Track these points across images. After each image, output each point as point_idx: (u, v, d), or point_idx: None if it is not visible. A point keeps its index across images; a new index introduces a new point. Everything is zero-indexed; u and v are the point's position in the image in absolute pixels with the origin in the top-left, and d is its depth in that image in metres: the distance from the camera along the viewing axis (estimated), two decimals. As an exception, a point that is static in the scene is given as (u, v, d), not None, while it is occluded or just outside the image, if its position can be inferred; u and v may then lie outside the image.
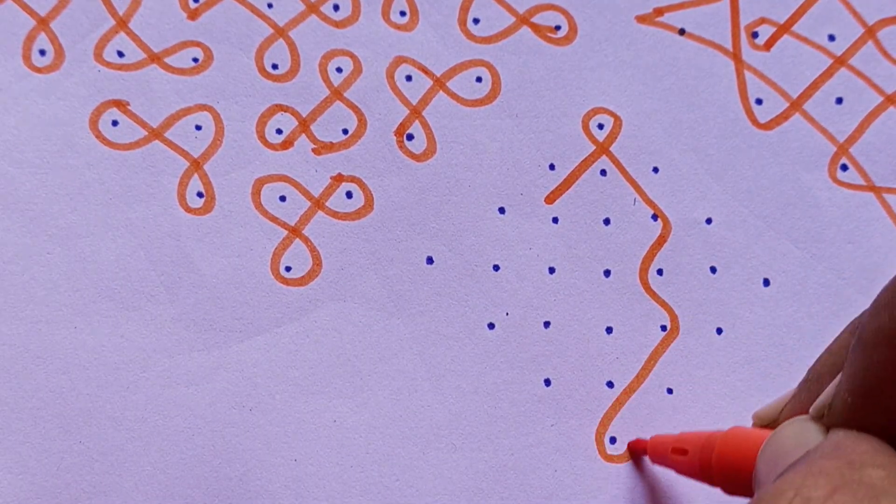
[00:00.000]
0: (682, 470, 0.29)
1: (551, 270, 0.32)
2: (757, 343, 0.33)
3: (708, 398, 0.33)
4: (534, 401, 0.32)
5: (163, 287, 0.31)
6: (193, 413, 0.31)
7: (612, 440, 0.32)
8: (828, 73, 0.34)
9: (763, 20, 0.35)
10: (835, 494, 0.18)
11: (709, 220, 0.33)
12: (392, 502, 0.31)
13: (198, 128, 0.33)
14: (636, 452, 0.32)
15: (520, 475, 0.31)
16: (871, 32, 0.34)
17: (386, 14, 0.34)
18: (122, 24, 0.33)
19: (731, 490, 0.26)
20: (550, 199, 0.33)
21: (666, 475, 0.32)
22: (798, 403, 0.25)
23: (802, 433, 0.22)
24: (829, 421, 0.22)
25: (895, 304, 0.19)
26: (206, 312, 0.31)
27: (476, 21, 0.34)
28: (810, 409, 0.22)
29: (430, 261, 0.32)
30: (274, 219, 0.32)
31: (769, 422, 0.26)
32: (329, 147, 0.33)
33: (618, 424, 0.32)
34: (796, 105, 0.34)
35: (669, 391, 0.32)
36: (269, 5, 0.33)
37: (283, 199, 0.32)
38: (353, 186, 0.33)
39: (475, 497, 0.31)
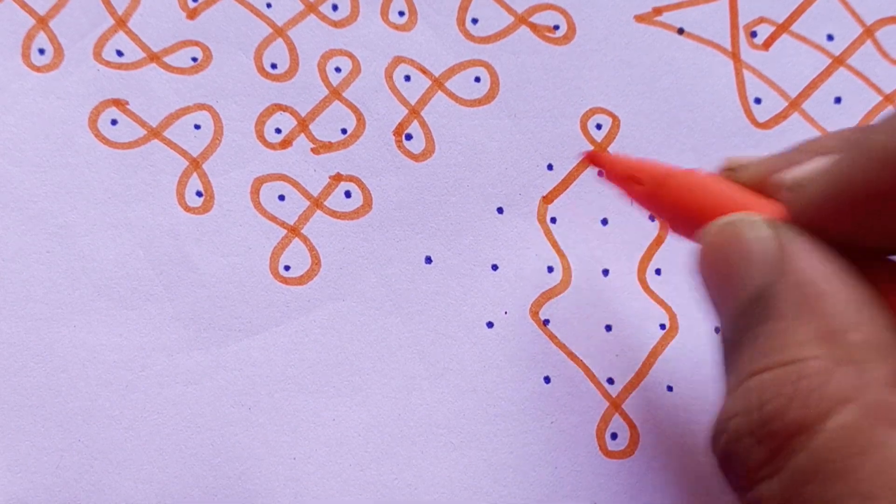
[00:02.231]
0: (633, 196, 0.28)
1: (549, 269, 0.33)
2: (755, 342, 0.33)
3: (708, 395, 0.33)
4: (533, 398, 0.32)
5: (162, 286, 0.31)
6: (192, 412, 0.31)
7: (614, 436, 0.32)
8: (826, 73, 0.34)
9: (762, 19, 0.35)
10: (829, 384, 0.19)
11: (707, 220, 0.33)
12: (391, 501, 0.31)
13: (197, 127, 0.33)
14: (593, 163, 0.31)
15: (520, 473, 0.31)
16: (869, 32, 0.34)
17: (385, 14, 0.34)
18: (121, 23, 0.33)
19: (677, 230, 0.25)
20: (549, 198, 0.33)
21: (667, 473, 0.32)
22: (772, 164, 0.24)
23: (751, 241, 0.21)
24: (794, 199, 0.21)
25: None
26: (205, 311, 0.31)
27: (475, 21, 0.34)
28: (786, 175, 0.22)
29: (428, 260, 0.32)
30: (273, 218, 0.32)
31: (735, 168, 0.25)
32: (328, 146, 0.33)
33: (618, 421, 0.32)
34: (795, 104, 0.34)
35: (669, 388, 0.32)
36: (268, 5, 0.33)
37: (282, 198, 0.32)
38: (351, 186, 0.33)
39: (474, 495, 0.31)
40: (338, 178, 0.33)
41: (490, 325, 0.32)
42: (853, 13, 0.35)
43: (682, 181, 0.25)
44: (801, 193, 0.21)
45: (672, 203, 0.25)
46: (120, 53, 0.33)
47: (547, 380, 0.32)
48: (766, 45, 0.34)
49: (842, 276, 0.20)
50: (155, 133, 0.32)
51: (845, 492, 0.18)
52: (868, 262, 0.20)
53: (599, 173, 0.31)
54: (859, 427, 0.18)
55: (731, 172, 0.25)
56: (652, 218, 0.33)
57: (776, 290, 0.20)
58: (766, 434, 0.19)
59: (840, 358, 0.19)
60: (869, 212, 0.20)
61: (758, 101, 0.34)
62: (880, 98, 0.34)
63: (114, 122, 0.32)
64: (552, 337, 0.32)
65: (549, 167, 0.33)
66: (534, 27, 0.34)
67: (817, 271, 0.20)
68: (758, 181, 0.24)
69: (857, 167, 0.20)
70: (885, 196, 0.19)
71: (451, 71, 0.34)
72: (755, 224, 0.21)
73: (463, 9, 0.34)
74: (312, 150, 0.33)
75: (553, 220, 0.33)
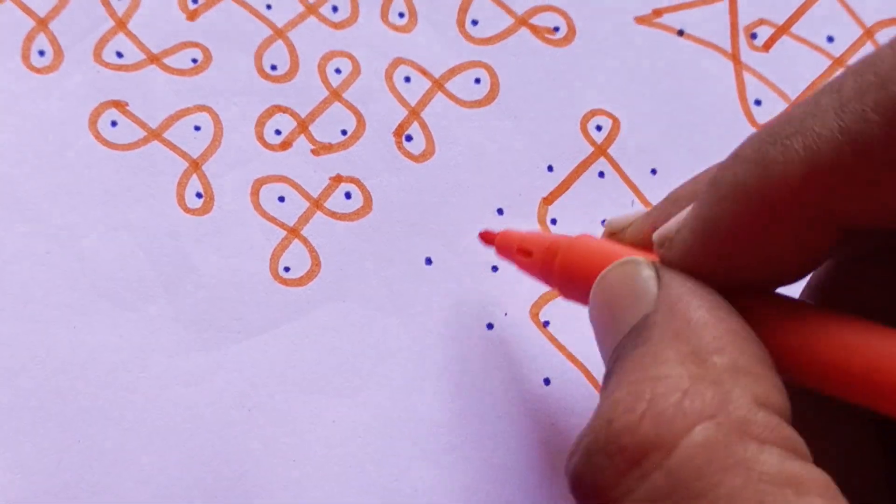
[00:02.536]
0: (524, 268, 0.29)
1: (550, 271, 0.33)
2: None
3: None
4: (533, 400, 0.32)
5: (162, 287, 0.31)
6: (192, 413, 0.31)
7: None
8: (826, 74, 0.34)
9: (762, 21, 0.35)
10: (685, 401, 0.18)
11: (707, 221, 0.33)
12: (391, 502, 0.31)
13: (197, 128, 0.33)
14: (486, 242, 0.31)
15: (520, 474, 0.31)
16: (869, 34, 0.34)
17: (385, 15, 0.34)
18: (121, 24, 0.33)
19: (569, 297, 0.26)
20: (549, 200, 0.33)
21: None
22: (649, 220, 0.25)
23: (634, 280, 0.21)
24: (666, 253, 0.22)
25: (754, 160, 0.19)
26: (205, 312, 0.31)
27: (475, 22, 0.34)
28: (654, 234, 0.22)
29: (428, 261, 0.32)
30: (273, 219, 0.32)
31: (618, 230, 0.26)
32: (328, 148, 0.33)
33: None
34: (795, 106, 0.34)
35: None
36: (268, 6, 0.34)
37: (282, 199, 0.32)
38: (351, 187, 0.33)
39: (474, 497, 0.31)
40: (338, 179, 0.33)
41: (490, 326, 0.32)
42: (853, 15, 0.35)
43: (569, 248, 0.26)
44: (671, 246, 0.22)
45: (562, 270, 0.26)
46: (120, 55, 0.33)
47: (547, 381, 0.32)
48: (767, 46, 0.35)
49: (712, 308, 0.20)
50: (155, 134, 0.32)
51: None
52: (750, 299, 0.21)
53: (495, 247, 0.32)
54: (719, 443, 0.18)
55: (614, 235, 0.26)
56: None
57: (651, 321, 0.20)
58: (615, 450, 0.18)
59: (700, 377, 0.18)
60: (733, 249, 0.20)
61: (758, 102, 0.34)
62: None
63: (114, 123, 0.32)
64: (552, 338, 0.32)
65: (550, 168, 0.33)
66: (534, 28, 0.34)
67: (689, 303, 0.20)
68: (640, 239, 0.25)
69: (712, 210, 0.20)
70: (743, 232, 0.20)
71: (452, 72, 0.34)
72: (639, 264, 0.22)
73: (463, 10, 0.34)
74: (312, 151, 0.33)
75: (553, 221, 0.33)
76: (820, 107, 0.19)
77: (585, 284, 0.23)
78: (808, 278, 0.24)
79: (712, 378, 0.18)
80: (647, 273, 0.21)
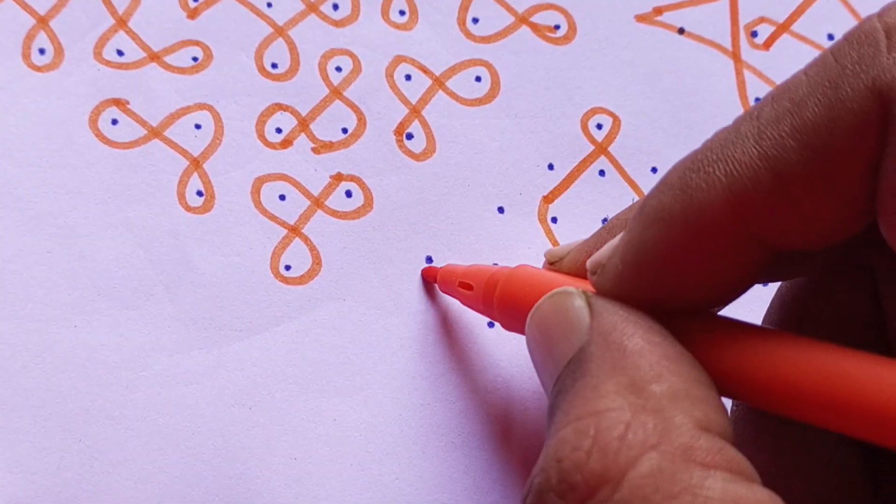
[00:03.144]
0: (466, 303, 0.29)
1: (551, 269, 0.33)
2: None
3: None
4: (534, 398, 0.32)
5: (162, 286, 0.31)
6: (193, 412, 0.31)
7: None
8: (827, 73, 0.34)
9: (762, 19, 0.35)
10: (628, 433, 0.18)
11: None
12: (392, 501, 0.31)
13: (197, 127, 0.33)
14: (427, 280, 0.32)
15: (520, 473, 0.31)
16: (870, 32, 0.34)
17: (385, 13, 0.34)
18: (121, 23, 0.33)
19: (510, 328, 0.26)
20: (549, 198, 0.33)
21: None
22: (585, 248, 0.25)
23: (566, 311, 0.22)
24: (598, 281, 0.22)
25: (679, 186, 0.20)
26: (206, 311, 0.31)
27: (475, 20, 0.34)
28: (587, 262, 0.23)
29: (429, 260, 0.32)
30: (273, 218, 0.32)
31: (556, 260, 0.26)
32: (328, 146, 0.33)
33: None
34: (795, 104, 0.34)
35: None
36: (269, 4, 0.33)
37: (282, 197, 0.32)
38: (352, 185, 0.33)
39: (475, 495, 0.31)
40: (338, 177, 0.33)
41: (491, 324, 0.32)
42: (853, 13, 0.35)
43: (509, 280, 0.26)
44: (603, 274, 0.22)
45: (503, 301, 0.26)
46: (120, 53, 0.33)
47: (548, 380, 0.32)
48: (767, 44, 0.35)
49: (647, 335, 0.20)
50: (155, 133, 0.32)
51: None
52: (684, 321, 0.21)
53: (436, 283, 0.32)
54: (665, 472, 0.18)
55: (552, 265, 0.27)
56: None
57: (587, 353, 0.20)
58: (566, 489, 0.19)
59: (641, 407, 0.19)
60: (662, 274, 0.20)
61: (758, 100, 0.34)
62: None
63: (114, 121, 0.32)
64: (553, 337, 0.32)
65: (550, 167, 0.33)
66: (534, 27, 0.34)
67: (623, 332, 0.20)
68: (576, 267, 0.26)
69: (641, 237, 0.21)
70: (670, 256, 0.20)
71: (452, 70, 0.34)
72: (570, 295, 0.22)
73: (463, 8, 0.34)
74: (313, 149, 0.33)
75: (554, 219, 0.33)
76: (740, 134, 0.19)
77: (524, 315, 0.24)
78: (773, 298, 0.25)
79: (653, 407, 0.19)
80: (579, 303, 0.21)
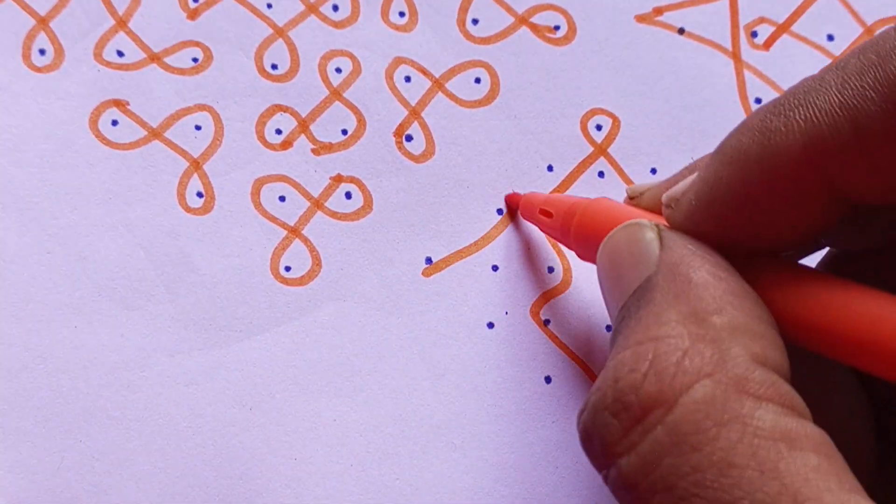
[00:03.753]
0: (545, 230, 0.30)
1: (550, 270, 0.33)
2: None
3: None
4: (534, 398, 0.32)
5: (162, 286, 0.31)
6: (193, 412, 0.31)
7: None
8: (827, 73, 0.34)
9: (762, 20, 0.35)
10: (685, 359, 0.19)
11: (707, 220, 0.33)
12: (392, 501, 0.31)
13: (197, 128, 0.33)
14: (511, 207, 0.33)
15: (521, 473, 0.31)
16: (869, 32, 0.34)
17: (385, 15, 0.34)
18: (121, 23, 0.33)
19: (585, 257, 0.27)
20: (549, 199, 0.33)
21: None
22: (665, 185, 0.25)
23: (637, 242, 0.22)
24: (672, 215, 0.22)
25: (758, 128, 0.20)
26: (206, 312, 0.31)
27: (475, 21, 0.34)
28: (663, 197, 0.23)
29: (428, 261, 0.32)
30: (273, 219, 0.32)
31: (636, 195, 0.27)
32: (328, 147, 0.33)
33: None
34: (795, 105, 0.34)
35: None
36: (269, 5, 0.33)
37: (282, 199, 0.32)
38: (352, 187, 0.33)
39: (475, 495, 0.31)
40: (338, 178, 0.33)
41: (491, 325, 0.32)
42: (853, 13, 0.35)
43: (588, 210, 0.26)
44: (677, 208, 0.22)
45: (580, 230, 0.26)
46: (121, 54, 0.33)
47: (548, 380, 0.32)
48: (767, 45, 0.35)
49: (714, 269, 0.20)
50: (155, 134, 0.32)
51: (703, 463, 0.18)
52: (753, 262, 0.21)
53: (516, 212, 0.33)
54: (717, 400, 0.18)
55: (632, 200, 0.27)
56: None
57: (653, 282, 0.21)
58: (620, 408, 0.19)
59: (700, 336, 0.19)
60: (735, 214, 0.21)
61: (758, 101, 0.34)
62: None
63: (114, 122, 0.32)
64: (553, 337, 0.32)
65: (550, 168, 0.33)
66: (534, 28, 0.34)
67: (690, 264, 0.20)
68: (655, 203, 0.26)
69: (717, 175, 0.21)
70: (745, 197, 0.20)
71: (452, 72, 0.34)
72: (642, 227, 0.22)
73: (463, 9, 0.34)
74: (313, 150, 0.33)
75: (553, 220, 0.33)
76: (824, 82, 0.19)
77: (598, 245, 0.24)
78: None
79: (711, 337, 0.19)
80: (650, 235, 0.22)
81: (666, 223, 0.23)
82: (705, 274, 0.20)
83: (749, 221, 0.21)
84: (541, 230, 0.31)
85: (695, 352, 0.19)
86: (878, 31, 0.20)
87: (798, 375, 0.20)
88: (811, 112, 0.19)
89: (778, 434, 0.18)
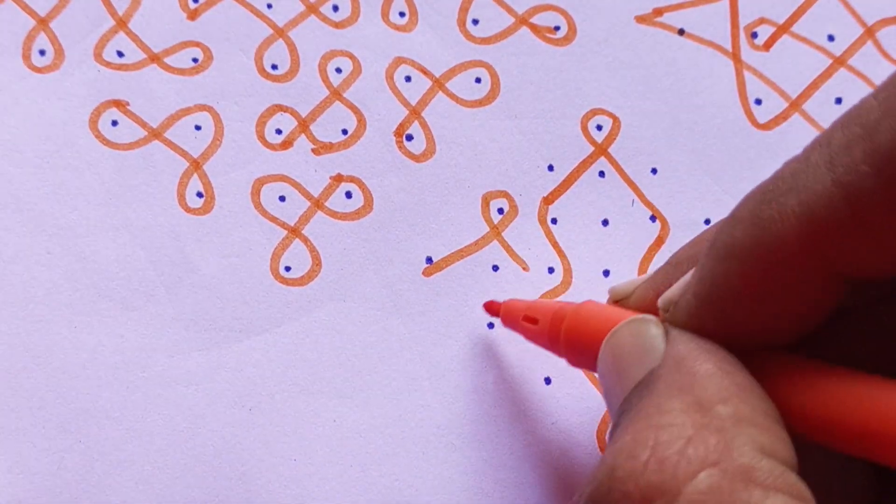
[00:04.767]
0: (531, 337, 0.29)
1: (550, 270, 0.33)
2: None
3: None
4: (534, 399, 0.32)
5: (162, 287, 0.31)
6: (193, 413, 0.31)
7: (612, 439, 0.32)
8: (827, 74, 0.34)
9: (762, 20, 0.35)
10: (688, 448, 0.18)
11: (707, 221, 0.33)
12: (392, 502, 0.31)
13: (197, 128, 0.33)
14: (491, 313, 0.32)
15: (521, 474, 0.31)
16: (870, 32, 0.34)
17: (385, 15, 0.34)
18: (121, 24, 0.33)
19: (576, 363, 0.26)
20: (549, 199, 0.33)
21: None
22: (653, 285, 0.25)
23: (642, 337, 0.22)
24: (671, 317, 0.22)
25: (750, 220, 0.20)
26: (206, 312, 0.31)
27: (475, 22, 0.34)
28: (659, 301, 0.23)
29: (429, 260, 0.32)
30: (273, 219, 0.32)
31: (623, 297, 0.26)
32: (328, 147, 0.33)
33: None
34: (796, 105, 0.34)
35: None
36: (269, 6, 0.34)
37: (282, 199, 0.32)
38: (352, 187, 0.33)
39: (475, 496, 0.31)
40: (338, 178, 0.33)
41: (491, 325, 0.32)
42: (854, 13, 0.35)
43: (578, 314, 0.26)
44: (676, 310, 0.22)
45: (570, 335, 0.26)
46: (120, 54, 0.33)
47: (548, 381, 0.32)
48: (767, 45, 0.35)
49: (720, 363, 0.20)
50: (155, 134, 0.32)
51: None
52: (758, 356, 0.21)
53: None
54: (723, 490, 0.17)
55: (618, 303, 0.26)
56: (653, 218, 0.33)
57: (657, 374, 0.20)
58: (620, 497, 0.18)
59: (705, 425, 0.19)
60: (737, 309, 0.20)
61: (758, 101, 0.34)
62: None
63: (114, 122, 0.32)
64: (553, 338, 0.32)
65: (550, 168, 0.33)
66: (534, 28, 0.34)
67: (696, 357, 0.20)
68: (645, 305, 0.25)
69: (713, 272, 0.20)
70: (745, 292, 0.20)
71: (452, 72, 0.34)
72: (647, 322, 0.22)
73: (463, 9, 0.34)
74: (313, 150, 0.33)
75: (554, 220, 0.33)
76: (811, 162, 0.19)
77: (592, 349, 0.24)
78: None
79: (716, 426, 0.18)
80: (655, 331, 0.21)
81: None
82: (711, 367, 0.20)
83: (752, 315, 0.20)
84: (526, 338, 0.30)
85: (699, 440, 0.18)
86: (857, 103, 0.19)
87: (805, 467, 0.20)
88: (804, 195, 0.19)
89: None
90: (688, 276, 0.22)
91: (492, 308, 0.32)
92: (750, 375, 0.20)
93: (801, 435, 0.20)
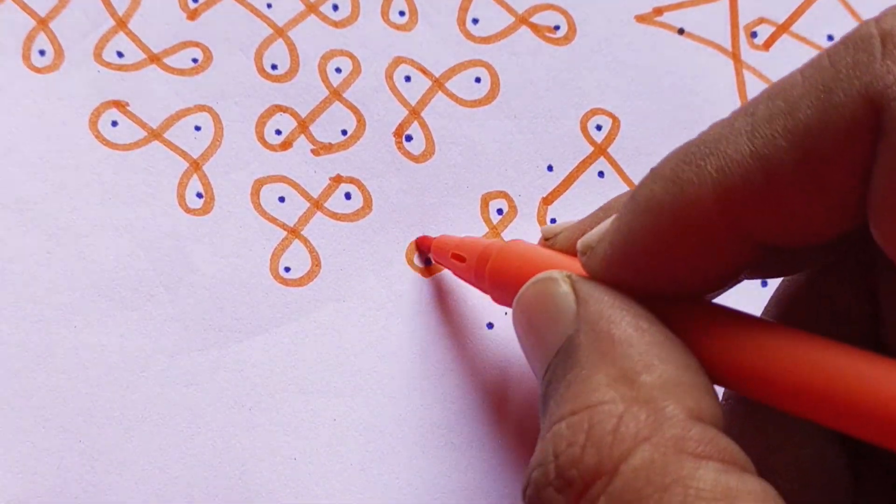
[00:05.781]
0: (458, 274, 0.30)
1: (550, 270, 0.33)
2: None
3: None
4: (535, 399, 0.32)
5: (162, 287, 0.32)
6: (193, 412, 0.31)
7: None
8: (827, 73, 0.34)
9: (762, 20, 0.35)
10: (620, 426, 0.19)
11: (707, 221, 0.33)
12: (392, 501, 0.31)
13: (197, 128, 0.33)
14: (421, 250, 0.32)
15: (520, 473, 0.31)
16: (870, 32, 0.34)
17: (385, 14, 0.34)
18: (121, 24, 0.33)
19: (500, 301, 0.27)
20: (548, 200, 0.33)
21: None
22: (580, 228, 0.25)
23: (552, 297, 0.22)
24: (587, 261, 0.22)
25: (671, 178, 0.20)
26: (206, 312, 0.31)
27: (475, 21, 0.34)
28: (578, 243, 0.23)
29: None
30: (273, 219, 0.32)
31: (551, 237, 0.26)
32: (328, 148, 0.33)
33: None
34: (795, 105, 0.34)
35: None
36: (269, 5, 0.34)
37: (282, 199, 0.32)
38: (351, 187, 0.33)
39: (475, 496, 0.31)
40: (338, 179, 0.33)
41: (490, 325, 0.32)
42: (853, 13, 0.35)
43: (501, 254, 0.26)
44: (592, 256, 0.22)
45: (494, 275, 0.26)
46: (120, 54, 0.33)
47: (547, 380, 0.32)
48: (767, 45, 0.35)
49: (636, 321, 0.20)
50: (155, 134, 0.33)
51: None
52: (673, 306, 0.21)
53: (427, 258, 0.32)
54: (656, 464, 0.18)
55: (546, 241, 0.27)
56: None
57: (576, 342, 0.20)
58: (564, 483, 0.19)
59: (633, 399, 0.19)
60: (651, 261, 0.21)
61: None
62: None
63: (114, 123, 0.32)
64: (552, 337, 0.32)
65: (549, 168, 0.33)
66: (534, 27, 0.34)
67: (611, 318, 0.20)
68: (569, 245, 0.25)
69: (630, 223, 0.21)
70: (659, 245, 0.20)
71: (452, 71, 0.34)
72: (556, 280, 0.22)
73: (463, 9, 0.34)
74: (313, 151, 0.33)
75: (553, 221, 0.33)
76: (734, 130, 0.19)
77: (514, 290, 0.24)
78: (774, 292, 0.25)
79: (644, 397, 0.19)
80: (564, 289, 0.22)
81: (582, 269, 0.22)
82: (627, 327, 0.20)
83: (665, 269, 0.21)
84: (454, 275, 0.30)
85: (629, 416, 0.19)
86: (785, 76, 0.20)
87: (779, 461, 0.20)
88: (722, 161, 0.19)
89: (719, 493, 0.17)
90: (607, 223, 0.22)
91: (423, 244, 0.32)
92: (667, 330, 0.20)
93: (726, 385, 0.20)
